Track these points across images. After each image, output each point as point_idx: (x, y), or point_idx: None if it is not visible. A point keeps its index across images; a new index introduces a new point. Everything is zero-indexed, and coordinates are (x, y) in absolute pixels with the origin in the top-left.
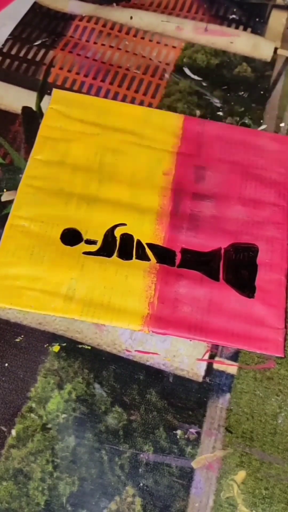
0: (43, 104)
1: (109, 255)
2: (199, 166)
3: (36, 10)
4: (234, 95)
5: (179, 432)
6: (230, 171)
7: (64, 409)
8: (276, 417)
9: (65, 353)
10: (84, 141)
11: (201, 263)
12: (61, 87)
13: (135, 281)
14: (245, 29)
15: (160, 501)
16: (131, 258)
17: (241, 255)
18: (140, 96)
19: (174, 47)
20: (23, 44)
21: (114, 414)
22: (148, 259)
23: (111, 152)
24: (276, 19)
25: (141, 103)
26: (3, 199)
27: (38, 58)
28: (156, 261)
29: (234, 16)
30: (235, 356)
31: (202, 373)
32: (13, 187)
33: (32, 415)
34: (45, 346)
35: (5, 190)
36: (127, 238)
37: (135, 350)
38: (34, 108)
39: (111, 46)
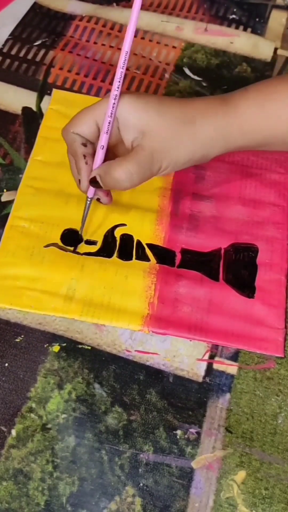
0: (43, 105)
1: (109, 255)
2: (199, 166)
3: (36, 10)
4: None
5: (179, 432)
6: (230, 171)
7: (64, 409)
8: (276, 417)
9: (65, 353)
10: None
11: (201, 263)
12: (61, 87)
13: (135, 281)
14: (245, 29)
15: (160, 501)
16: (131, 259)
17: (241, 255)
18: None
19: (174, 47)
20: (23, 44)
21: (114, 414)
22: (148, 259)
23: None
24: (276, 19)
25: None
26: (3, 199)
27: (38, 58)
28: (156, 262)
29: (234, 16)
30: (235, 356)
31: (202, 373)
32: (13, 187)
33: (32, 415)
34: (45, 346)
35: (5, 190)
36: (127, 239)
37: (135, 350)
38: (34, 108)
39: (111, 46)
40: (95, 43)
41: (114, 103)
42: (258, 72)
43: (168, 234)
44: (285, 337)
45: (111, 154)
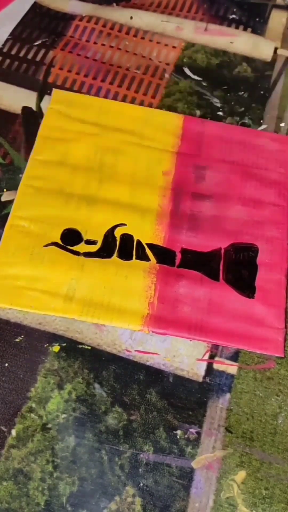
0: (43, 104)
1: (109, 255)
2: (199, 166)
3: (36, 10)
4: (234, 95)
5: (179, 432)
6: (230, 171)
7: (64, 409)
8: (276, 417)
9: (65, 353)
10: (84, 141)
11: (201, 263)
12: (61, 87)
13: (135, 281)
14: (245, 29)
15: (160, 501)
16: (131, 258)
17: (241, 255)
18: (140, 96)
19: (174, 47)
20: (23, 44)
21: (114, 414)
22: (148, 259)
23: (111, 152)
24: (276, 19)
25: (141, 103)
26: (3, 199)
27: (38, 58)
28: (156, 261)
29: (234, 16)
30: (235, 356)
31: (202, 373)
32: (13, 187)
33: (32, 415)
34: (45, 346)
35: (5, 190)
36: (127, 238)
37: (135, 350)
38: (34, 108)
39: (111, 46)
40: (95, 43)
41: None
42: (258, 72)
43: (168, 234)
44: (285, 337)
45: None
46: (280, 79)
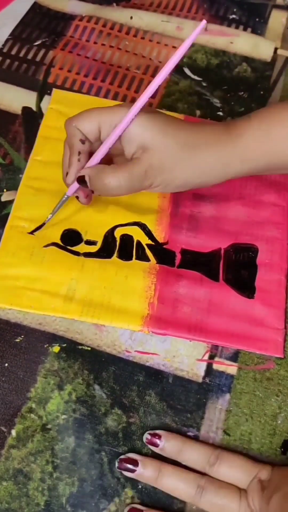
0: (43, 104)
1: (109, 255)
2: None
3: (36, 10)
4: (234, 95)
5: None
6: None
7: (64, 410)
8: (276, 418)
9: (65, 354)
10: None
11: (201, 263)
12: (61, 87)
13: (135, 282)
14: (245, 29)
15: (159, 503)
16: (131, 259)
17: (241, 255)
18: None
19: (174, 47)
20: (23, 44)
21: (114, 416)
22: (148, 259)
23: None
24: (276, 19)
25: None
26: (3, 199)
27: (38, 58)
28: (156, 262)
29: (234, 16)
30: (234, 357)
31: (202, 373)
32: (13, 187)
33: (32, 415)
34: (45, 346)
35: (5, 190)
36: (127, 239)
37: (135, 351)
38: (34, 108)
39: (111, 46)
40: (95, 43)
41: (132, 119)
42: (258, 72)
43: (168, 235)
44: (284, 337)
45: (108, 159)
46: (280, 79)
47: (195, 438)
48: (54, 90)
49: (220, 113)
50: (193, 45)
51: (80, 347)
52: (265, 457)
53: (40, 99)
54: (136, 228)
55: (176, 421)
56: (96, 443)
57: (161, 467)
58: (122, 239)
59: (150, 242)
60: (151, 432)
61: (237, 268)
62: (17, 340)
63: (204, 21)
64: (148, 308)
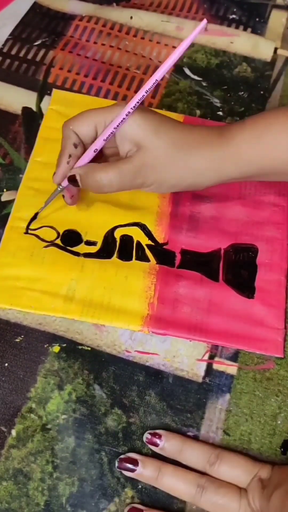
0: (43, 105)
1: (109, 256)
2: None
3: (36, 10)
4: (234, 95)
5: None
6: None
7: (64, 410)
8: (276, 418)
9: (65, 354)
10: None
11: (200, 263)
12: (61, 87)
13: (135, 282)
14: (245, 29)
15: (158, 503)
16: (131, 259)
17: (241, 255)
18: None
19: (174, 47)
20: (23, 44)
21: (114, 416)
22: (148, 260)
23: None
24: (276, 19)
25: (141, 103)
26: (3, 199)
27: (38, 58)
28: (156, 262)
29: (234, 16)
30: (234, 357)
31: (202, 373)
32: (13, 187)
33: (32, 415)
34: (45, 346)
35: (5, 190)
36: (127, 239)
37: (135, 351)
38: (34, 108)
39: (111, 46)
40: (95, 43)
41: (124, 118)
42: (258, 72)
43: (168, 235)
44: (284, 337)
45: (104, 161)
46: (280, 79)
47: (195, 438)
48: (54, 91)
49: (220, 113)
50: (193, 45)
51: (80, 347)
52: (265, 457)
53: (40, 99)
54: (136, 228)
55: (176, 421)
56: (96, 443)
57: (161, 467)
58: (122, 240)
59: (150, 242)
60: (151, 431)
61: (237, 268)
62: (17, 340)
63: (205, 20)
64: (148, 308)
